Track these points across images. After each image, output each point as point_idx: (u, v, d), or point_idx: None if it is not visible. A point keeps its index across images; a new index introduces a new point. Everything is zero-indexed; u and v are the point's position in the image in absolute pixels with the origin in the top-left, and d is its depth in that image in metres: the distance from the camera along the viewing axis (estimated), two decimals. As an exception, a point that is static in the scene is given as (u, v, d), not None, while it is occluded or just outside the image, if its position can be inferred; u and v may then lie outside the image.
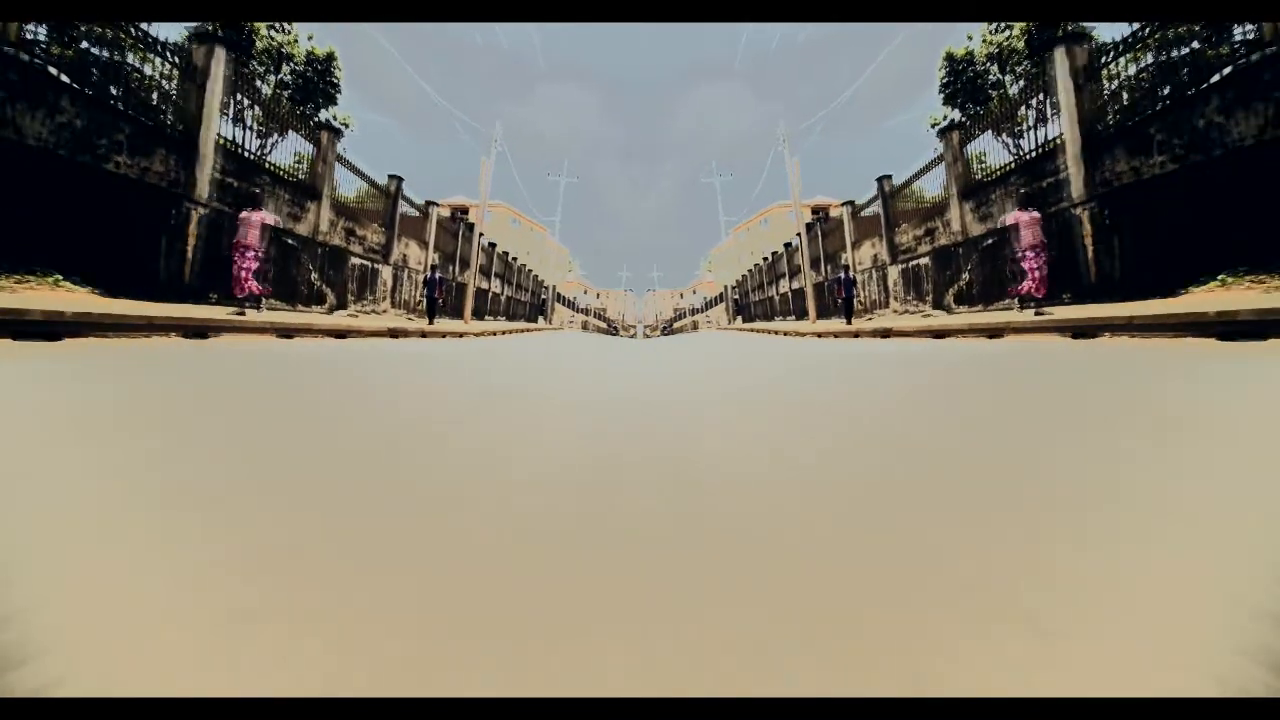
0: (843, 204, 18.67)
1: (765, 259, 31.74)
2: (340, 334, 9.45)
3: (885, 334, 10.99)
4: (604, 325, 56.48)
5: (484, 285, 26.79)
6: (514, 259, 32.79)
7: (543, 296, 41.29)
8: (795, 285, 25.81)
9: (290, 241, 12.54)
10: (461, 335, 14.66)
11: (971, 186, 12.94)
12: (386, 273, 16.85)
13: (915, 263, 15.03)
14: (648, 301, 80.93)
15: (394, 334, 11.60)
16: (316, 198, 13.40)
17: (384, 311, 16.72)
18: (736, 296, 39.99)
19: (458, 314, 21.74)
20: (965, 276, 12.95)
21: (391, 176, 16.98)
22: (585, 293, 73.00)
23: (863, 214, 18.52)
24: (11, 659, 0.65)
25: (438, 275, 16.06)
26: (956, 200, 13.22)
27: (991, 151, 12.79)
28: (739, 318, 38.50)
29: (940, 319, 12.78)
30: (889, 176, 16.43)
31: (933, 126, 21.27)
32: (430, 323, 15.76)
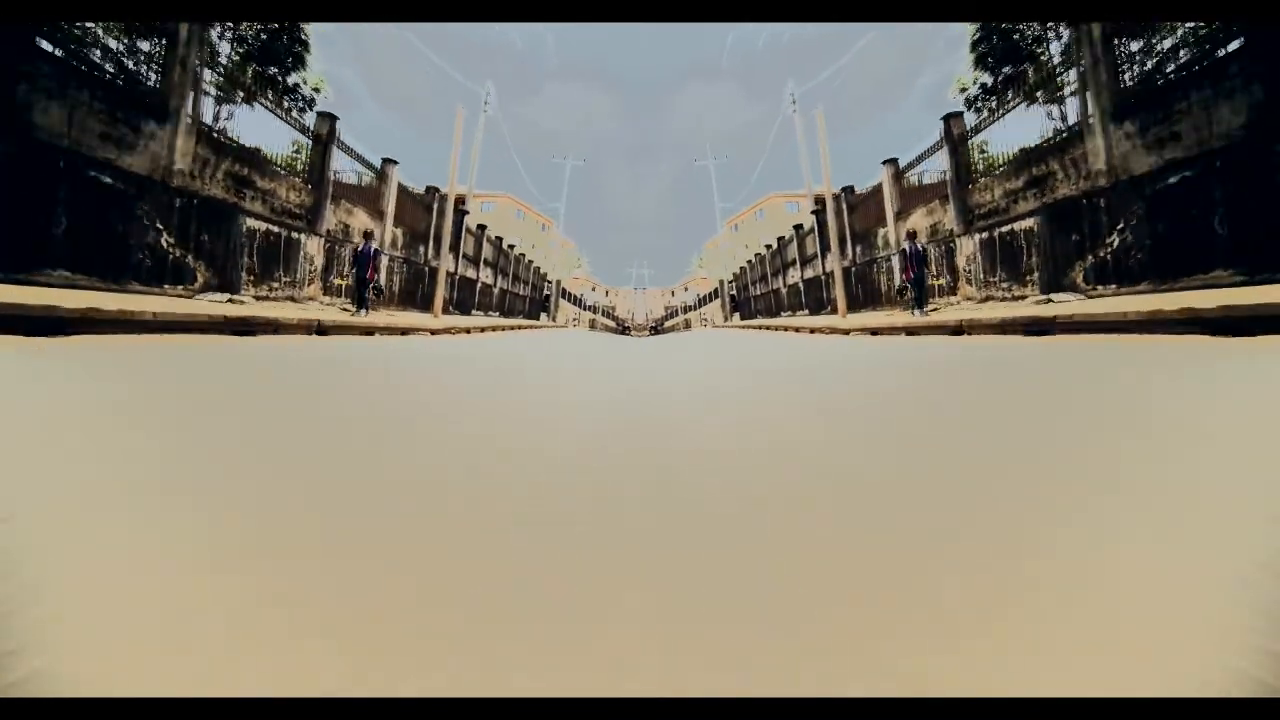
0: (884, 162, 13.04)
1: (769, 246, 26.06)
2: (54, 326, 4.01)
3: (1042, 328, 5.46)
4: (613, 324, 50.50)
5: (471, 274, 21.27)
6: (511, 246, 27.16)
7: (546, 292, 35.50)
8: (809, 274, 20.13)
9: (104, 178, 7.09)
10: (405, 333, 8.95)
11: (1135, 98, 7.31)
12: (314, 246, 11.35)
13: (1008, 228, 9.47)
14: (637, 300, 74.76)
15: (242, 328, 5.98)
16: (164, 118, 7.92)
17: (309, 299, 11.27)
18: (734, 292, 34.27)
19: (428, 305, 16.27)
20: (1114, 240, 7.41)
21: (322, 115, 11.35)
22: (594, 289, 66.90)
23: (908, 177, 12.92)
24: (10, 659, 0.56)
25: (372, 247, 10.54)
26: (1100, 123, 7.62)
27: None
28: (736, 314, 32.86)
29: (1110, 302, 7.09)
30: (959, 114, 10.72)
31: (961, 91, 15.60)
32: (359, 313, 10.27)
